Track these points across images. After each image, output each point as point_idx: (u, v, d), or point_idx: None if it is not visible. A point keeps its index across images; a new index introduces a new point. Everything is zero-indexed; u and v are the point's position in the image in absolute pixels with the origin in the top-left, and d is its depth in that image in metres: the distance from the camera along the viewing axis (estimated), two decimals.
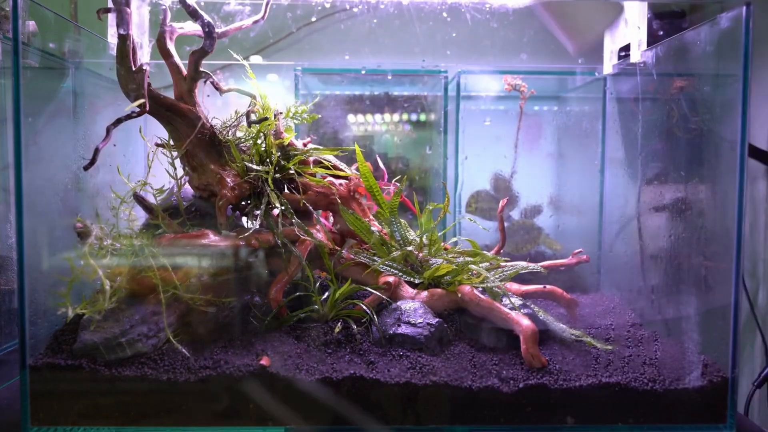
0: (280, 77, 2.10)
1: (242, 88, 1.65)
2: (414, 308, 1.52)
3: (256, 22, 1.64)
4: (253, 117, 1.63)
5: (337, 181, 1.75)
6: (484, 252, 1.82)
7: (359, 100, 2.23)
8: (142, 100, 1.46)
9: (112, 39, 1.70)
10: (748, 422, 1.63)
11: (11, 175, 1.32)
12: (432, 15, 1.83)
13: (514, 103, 2.17)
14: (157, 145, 1.59)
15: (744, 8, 1.34)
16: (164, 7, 1.54)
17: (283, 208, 1.59)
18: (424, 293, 1.63)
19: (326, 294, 1.59)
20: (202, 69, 1.57)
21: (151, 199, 1.60)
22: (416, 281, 1.68)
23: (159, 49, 1.55)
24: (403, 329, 1.47)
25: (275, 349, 1.42)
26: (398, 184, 1.83)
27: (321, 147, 1.76)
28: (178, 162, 1.61)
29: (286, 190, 1.69)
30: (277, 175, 1.66)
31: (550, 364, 1.40)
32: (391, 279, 1.63)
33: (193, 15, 1.52)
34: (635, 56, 1.82)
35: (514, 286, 1.71)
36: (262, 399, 1.32)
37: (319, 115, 1.90)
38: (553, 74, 2.19)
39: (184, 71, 1.57)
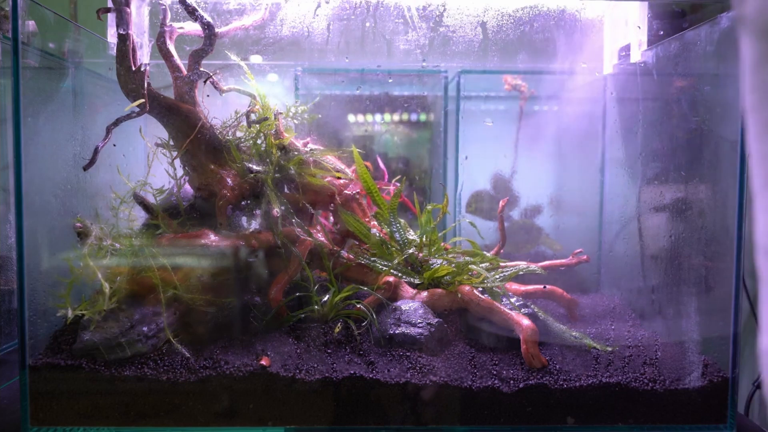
0: (280, 77, 2.10)
1: (242, 88, 1.65)
2: (414, 308, 1.52)
3: (255, 22, 1.64)
4: (253, 117, 1.63)
5: (337, 182, 1.75)
6: (484, 252, 1.82)
7: (359, 100, 2.23)
8: (141, 100, 1.46)
9: (112, 39, 1.70)
10: (748, 422, 1.63)
11: (11, 175, 1.32)
12: (432, 15, 1.83)
13: (514, 102, 2.17)
14: (157, 145, 1.59)
15: None
16: (164, 7, 1.54)
17: (283, 208, 1.59)
18: (424, 293, 1.62)
19: (327, 295, 1.59)
20: (202, 69, 1.57)
21: (150, 199, 1.60)
22: (416, 281, 1.68)
23: (159, 49, 1.55)
24: (403, 329, 1.46)
25: (275, 349, 1.42)
26: (398, 184, 1.82)
27: (321, 147, 1.76)
28: (178, 162, 1.60)
29: (286, 190, 1.69)
30: (277, 175, 1.65)
31: (550, 364, 1.40)
32: (390, 279, 1.63)
33: (193, 15, 1.52)
34: (635, 56, 1.81)
35: (514, 286, 1.71)
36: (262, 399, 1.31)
37: (319, 115, 1.90)
38: (554, 74, 2.19)
39: (184, 71, 1.57)
